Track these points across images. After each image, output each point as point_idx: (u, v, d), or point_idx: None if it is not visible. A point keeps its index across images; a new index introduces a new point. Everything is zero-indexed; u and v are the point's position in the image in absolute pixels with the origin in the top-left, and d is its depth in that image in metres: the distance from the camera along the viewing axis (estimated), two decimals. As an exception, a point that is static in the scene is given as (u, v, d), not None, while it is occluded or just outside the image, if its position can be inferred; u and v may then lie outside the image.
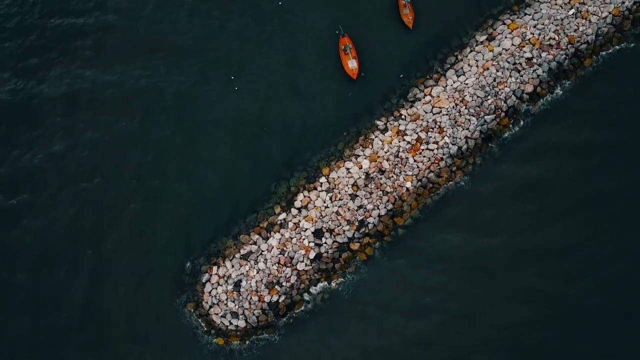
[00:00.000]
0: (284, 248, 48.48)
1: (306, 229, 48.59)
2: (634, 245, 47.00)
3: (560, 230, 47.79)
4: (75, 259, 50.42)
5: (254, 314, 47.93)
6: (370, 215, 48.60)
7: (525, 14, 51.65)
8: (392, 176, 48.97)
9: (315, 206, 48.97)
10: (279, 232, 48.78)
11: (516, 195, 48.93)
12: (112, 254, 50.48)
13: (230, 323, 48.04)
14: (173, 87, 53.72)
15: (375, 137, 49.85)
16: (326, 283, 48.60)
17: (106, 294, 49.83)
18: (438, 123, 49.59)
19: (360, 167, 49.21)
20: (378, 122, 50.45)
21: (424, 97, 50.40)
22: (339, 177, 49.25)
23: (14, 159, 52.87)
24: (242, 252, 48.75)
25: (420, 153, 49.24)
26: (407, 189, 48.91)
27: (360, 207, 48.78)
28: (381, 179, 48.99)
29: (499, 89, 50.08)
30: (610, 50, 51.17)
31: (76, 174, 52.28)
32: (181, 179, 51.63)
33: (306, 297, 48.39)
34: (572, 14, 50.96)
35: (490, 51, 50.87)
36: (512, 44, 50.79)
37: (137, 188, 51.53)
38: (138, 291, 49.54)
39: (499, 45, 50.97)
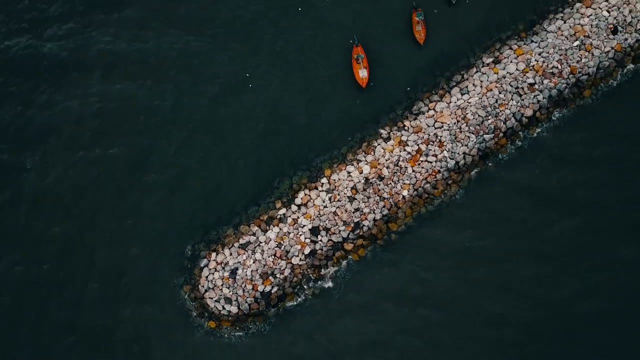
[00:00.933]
0: (281, 242, 50.87)
1: (304, 226, 50.98)
2: (621, 254, 49.68)
3: (551, 238, 50.34)
4: (83, 220, 53.26)
5: (246, 302, 50.30)
6: (366, 219, 50.97)
7: (532, 42, 54.00)
8: (390, 183, 51.35)
9: (314, 205, 51.35)
10: (277, 226, 51.18)
11: (510, 206, 51.37)
12: (118, 225, 53.06)
13: (223, 308, 50.43)
14: (190, 72, 56.50)
15: (378, 144, 52.25)
16: (318, 279, 51.00)
17: (108, 263, 52.39)
18: (439, 137, 51.97)
19: (361, 172, 51.61)
20: (382, 131, 52.85)
21: (427, 111, 52.78)
22: (339, 179, 51.65)
23: (46, 117, 55.69)
24: (241, 241, 51.16)
25: (419, 164, 51.62)
26: (404, 197, 51.29)
27: (357, 209, 51.15)
28: (380, 185, 51.38)
29: (500, 111, 52.45)
30: (609, 84, 53.47)
31: (100, 138, 55.19)
32: (189, 166, 54.08)
33: (298, 290, 50.79)
34: (577, 46, 53.32)
35: (495, 73, 53.23)
36: (517, 69, 53.14)
37: (148, 166, 54.39)
38: (138, 268, 52.01)
39: (504, 69, 53.33)
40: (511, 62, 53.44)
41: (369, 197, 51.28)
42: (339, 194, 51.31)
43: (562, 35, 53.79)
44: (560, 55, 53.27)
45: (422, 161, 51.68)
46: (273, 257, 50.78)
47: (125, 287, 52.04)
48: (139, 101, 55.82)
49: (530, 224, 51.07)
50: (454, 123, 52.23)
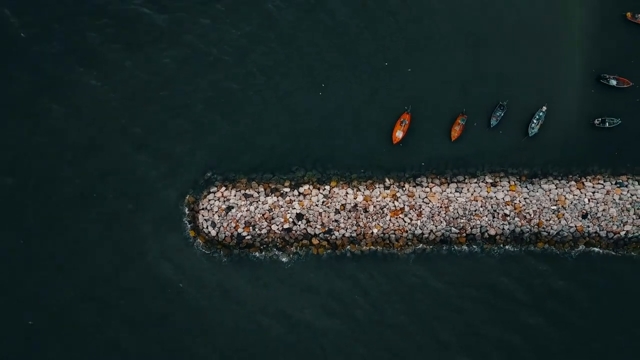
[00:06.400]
0: (273, 209, 65.07)
1: (294, 208, 65.17)
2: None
3: (448, 321, 64.54)
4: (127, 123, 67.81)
5: (224, 233, 64.50)
6: (338, 230, 65.10)
7: (525, 187, 67.86)
8: (369, 218, 65.46)
9: (310, 199, 65.51)
10: (277, 197, 65.37)
11: (437, 286, 65.25)
12: (162, 132, 67.37)
13: (207, 227, 64.65)
14: (286, 65, 70.52)
15: (378, 187, 66.40)
16: (282, 250, 65.09)
17: (141, 159, 66.79)
18: (421, 209, 66.06)
19: (355, 198, 65.75)
20: (386, 180, 66.95)
21: (425, 187, 66.84)
22: (338, 193, 65.81)
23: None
24: (247, 192, 65.42)
25: (396, 218, 65.69)
26: (372, 233, 65.38)
27: (336, 221, 65.29)
28: (362, 214, 65.49)
29: (474, 218, 66.42)
30: (558, 251, 67.05)
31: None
32: (241, 121, 68.31)
33: (263, 248, 64.93)
34: (553, 210, 67.20)
35: (487, 192, 67.21)
36: (503, 198, 67.11)
37: (221, 100, 68.60)
38: (168, 165, 66.36)
39: (494, 192, 67.29)
40: (502, 191, 67.38)
41: (349, 218, 65.41)
42: (331, 203, 65.47)
43: (548, 196, 67.67)
44: (538, 208, 67.17)
45: (400, 217, 65.75)
46: (261, 215, 64.96)
47: (148, 175, 66.32)
48: (240, 75, 69.90)
49: (441, 305, 65.09)
50: (438, 206, 66.28)
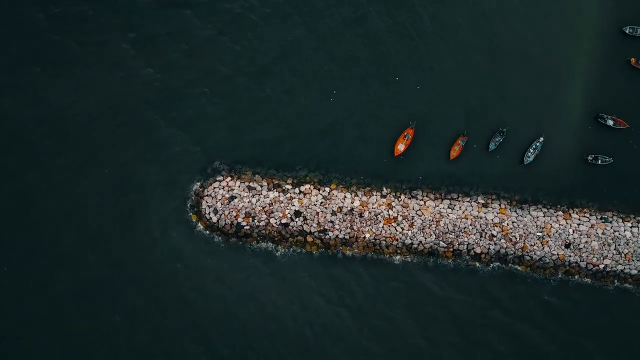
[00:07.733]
0: (273, 203, 68.46)
1: (294, 205, 68.55)
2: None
3: (421, 330, 68.01)
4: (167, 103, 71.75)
5: (225, 220, 67.91)
6: (333, 231, 68.44)
7: (515, 212, 71.17)
8: (363, 223, 68.81)
9: (309, 198, 68.87)
10: (279, 192, 68.75)
11: (422, 292, 68.65)
12: (185, 115, 71.01)
13: (209, 213, 68.04)
14: (304, 67, 74.04)
15: (375, 194, 69.75)
16: (277, 244, 68.42)
17: (159, 138, 70.46)
18: (413, 220, 69.39)
19: (352, 202, 69.10)
20: (384, 189, 70.30)
21: (420, 200, 70.18)
22: (336, 195, 69.18)
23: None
24: (251, 184, 68.82)
25: (389, 225, 69.03)
26: (364, 237, 68.71)
27: (332, 222, 68.65)
28: (356, 218, 68.84)
29: (462, 235, 69.73)
30: (539, 275, 70.34)
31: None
32: (256, 117, 71.83)
33: (259, 239, 68.27)
34: (538, 236, 70.48)
35: (477, 212, 70.53)
36: (492, 219, 70.41)
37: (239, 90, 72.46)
38: (182, 154, 69.88)
39: (485, 213, 70.60)
40: (492, 212, 70.69)
41: (344, 220, 68.76)
42: (329, 204, 68.84)
43: (535, 222, 70.96)
44: (524, 232, 70.46)
45: (392, 225, 69.10)
46: (261, 208, 68.36)
47: (159, 159, 69.86)
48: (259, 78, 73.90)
49: (417, 315, 68.50)
50: (429, 220, 69.63)
